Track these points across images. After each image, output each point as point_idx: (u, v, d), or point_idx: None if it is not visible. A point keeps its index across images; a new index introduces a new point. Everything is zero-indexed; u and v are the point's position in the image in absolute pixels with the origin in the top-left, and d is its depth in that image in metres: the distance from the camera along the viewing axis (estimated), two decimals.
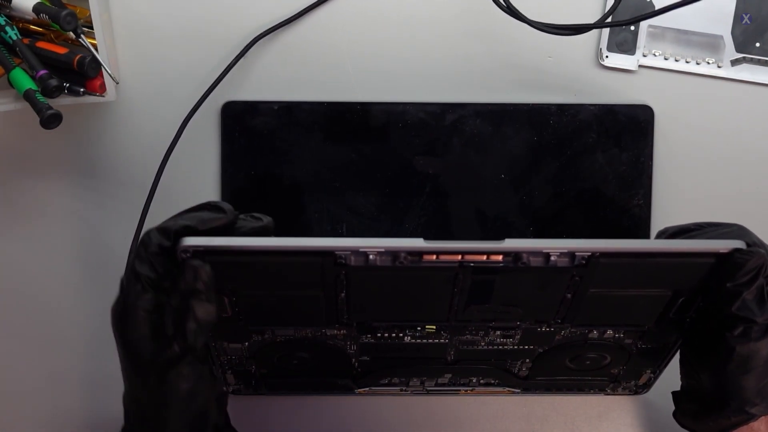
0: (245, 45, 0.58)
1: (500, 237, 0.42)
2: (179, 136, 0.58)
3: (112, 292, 0.59)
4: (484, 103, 0.59)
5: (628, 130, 0.59)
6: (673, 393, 0.53)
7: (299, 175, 0.59)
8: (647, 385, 0.57)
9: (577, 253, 0.42)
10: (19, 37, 0.53)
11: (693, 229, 0.49)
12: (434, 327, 0.49)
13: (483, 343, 0.51)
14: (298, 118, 0.59)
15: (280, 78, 0.59)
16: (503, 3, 0.55)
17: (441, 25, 0.59)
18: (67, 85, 0.54)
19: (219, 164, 0.59)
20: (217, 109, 0.59)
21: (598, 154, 0.59)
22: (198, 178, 0.60)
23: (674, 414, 0.53)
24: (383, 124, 0.59)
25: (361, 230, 0.59)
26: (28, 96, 0.52)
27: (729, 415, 0.48)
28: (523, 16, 0.55)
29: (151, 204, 0.58)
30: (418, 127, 0.59)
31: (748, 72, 0.59)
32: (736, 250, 0.43)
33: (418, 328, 0.49)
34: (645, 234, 0.59)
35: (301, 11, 0.59)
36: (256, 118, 0.59)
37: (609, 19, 0.57)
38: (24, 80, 0.53)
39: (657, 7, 0.57)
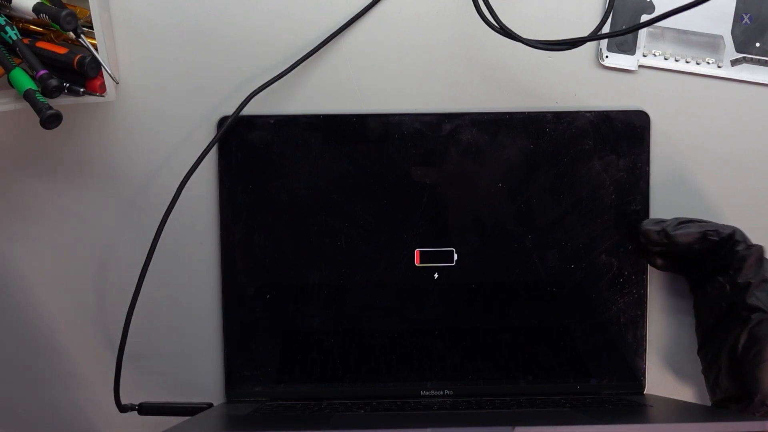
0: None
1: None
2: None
3: (111, 291, 0.60)
4: (480, 112, 0.59)
5: (624, 136, 0.59)
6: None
7: (297, 188, 0.59)
8: None
9: None
10: (19, 37, 0.53)
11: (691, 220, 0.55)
12: None
13: None
14: (294, 131, 0.59)
15: (277, 92, 0.59)
16: (496, 25, 0.55)
17: (435, 41, 0.59)
18: (67, 85, 0.54)
19: (217, 177, 0.59)
20: (214, 123, 0.59)
21: (594, 160, 0.59)
22: (197, 190, 0.60)
23: None
24: (380, 136, 0.59)
25: (359, 242, 0.59)
26: (28, 96, 0.52)
27: (753, 410, 0.50)
28: (517, 35, 0.55)
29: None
30: (414, 137, 0.59)
31: (748, 72, 0.59)
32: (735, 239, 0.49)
33: None
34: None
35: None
36: (252, 132, 0.59)
37: (606, 27, 0.58)
38: (24, 80, 0.53)
39: (657, 7, 0.58)
